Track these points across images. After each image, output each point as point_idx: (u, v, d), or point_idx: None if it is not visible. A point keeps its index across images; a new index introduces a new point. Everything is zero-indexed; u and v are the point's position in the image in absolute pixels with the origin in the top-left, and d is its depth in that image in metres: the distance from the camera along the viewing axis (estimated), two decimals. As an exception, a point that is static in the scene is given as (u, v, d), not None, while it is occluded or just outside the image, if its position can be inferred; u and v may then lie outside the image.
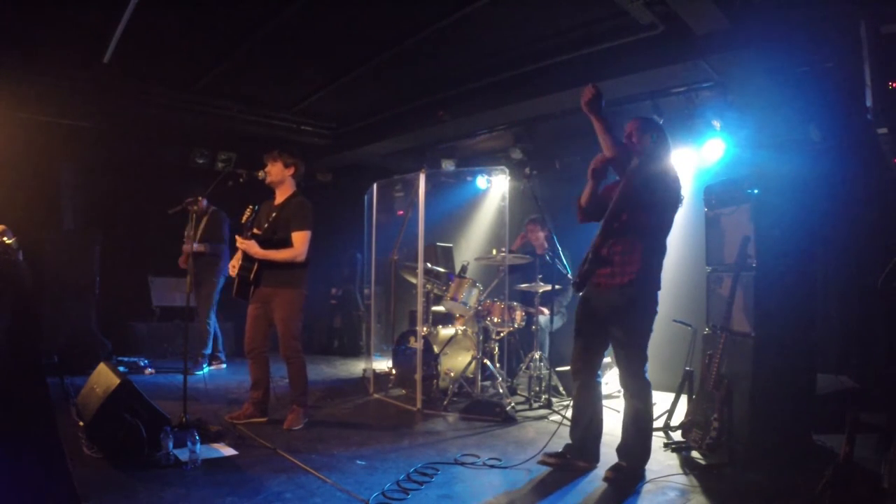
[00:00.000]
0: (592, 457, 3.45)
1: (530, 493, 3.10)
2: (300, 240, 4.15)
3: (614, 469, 3.26)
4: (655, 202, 3.23)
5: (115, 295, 7.04)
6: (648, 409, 3.30)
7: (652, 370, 3.31)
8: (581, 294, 3.45)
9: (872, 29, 3.05)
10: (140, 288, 7.39)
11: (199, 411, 4.30)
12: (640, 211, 3.22)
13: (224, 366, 6.63)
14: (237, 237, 4.21)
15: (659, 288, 3.30)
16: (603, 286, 3.30)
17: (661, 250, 3.30)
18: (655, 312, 3.29)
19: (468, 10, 4.32)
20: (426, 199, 5.19)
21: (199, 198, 6.39)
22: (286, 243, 4.17)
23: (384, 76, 5.81)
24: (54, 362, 5.83)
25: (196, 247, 6.05)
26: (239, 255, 4.24)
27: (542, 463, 3.46)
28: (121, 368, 4.27)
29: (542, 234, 5.80)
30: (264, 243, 4.16)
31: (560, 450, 3.50)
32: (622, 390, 3.39)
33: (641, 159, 3.19)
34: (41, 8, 4.41)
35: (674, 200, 3.28)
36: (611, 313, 3.28)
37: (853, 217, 4.55)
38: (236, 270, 4.23)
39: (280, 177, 4.32)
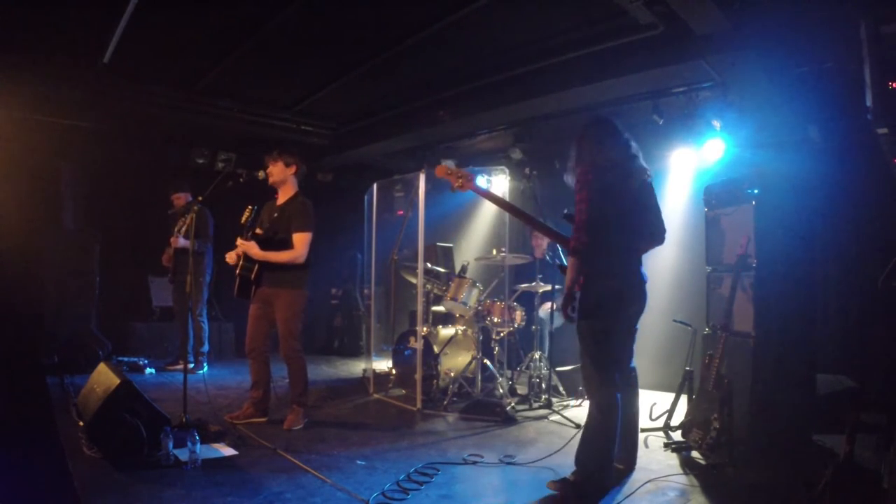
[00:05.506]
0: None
1: (530, 494, 3.09)
2: (301, 241, 4.16)
3: (559, 483, 3.01)
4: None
5: (115, 295, 7.04)
6: (604, 417, 2.93)
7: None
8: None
9: (872, 29, 3.05)
10: (140, 288, 7.39)
11: (199, 411, 4.30)
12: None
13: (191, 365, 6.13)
14: (238, 238, 4.21)
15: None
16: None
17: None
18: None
19: (468, 11, 4.32)
20: (426, 199, 5.20)
21: (181, 194, 6.41)
22: (287, 244, 4.17)
23: (384, 76, 5.80)
24: (54, 362, 5.84)
25: (182, 242, 6.02)
26: (240, 251, 4.24)
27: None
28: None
29: (544, 242, 5.78)
30: (265, 244, 4.17)
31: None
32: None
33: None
34: (41, 8, 4.40)
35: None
36: None
37: (853, 217, 4.55)
38: (238, 269, 4.23)
39: (282, 176, 4.33)
